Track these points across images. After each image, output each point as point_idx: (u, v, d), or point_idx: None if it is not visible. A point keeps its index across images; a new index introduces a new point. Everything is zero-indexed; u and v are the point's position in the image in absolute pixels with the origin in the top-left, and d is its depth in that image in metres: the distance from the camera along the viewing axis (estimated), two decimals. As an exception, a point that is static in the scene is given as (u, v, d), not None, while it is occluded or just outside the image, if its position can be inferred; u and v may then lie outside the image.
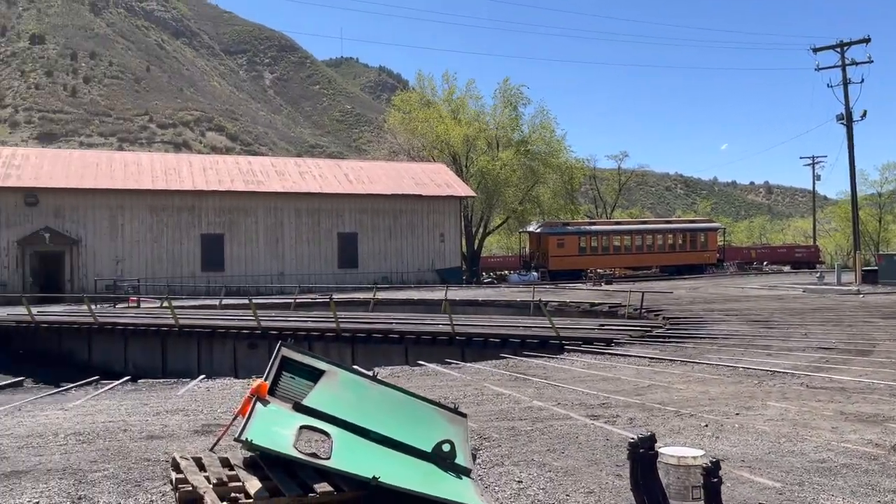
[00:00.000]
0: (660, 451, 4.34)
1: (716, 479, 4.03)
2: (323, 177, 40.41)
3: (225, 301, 27.39)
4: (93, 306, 23.34)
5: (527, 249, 51.16)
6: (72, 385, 12.13)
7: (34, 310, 23.37)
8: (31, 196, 32.81)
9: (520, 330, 17.70)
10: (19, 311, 23.38)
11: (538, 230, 48.11)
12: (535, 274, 45.15)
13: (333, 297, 23.70)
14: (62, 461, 6.20)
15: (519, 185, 52.75)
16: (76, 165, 36.27)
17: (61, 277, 33.14)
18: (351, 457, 5.01)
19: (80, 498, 5.13)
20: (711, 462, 4.08)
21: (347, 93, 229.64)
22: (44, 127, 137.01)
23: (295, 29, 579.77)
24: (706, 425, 7.21)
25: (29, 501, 5.06)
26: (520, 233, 54.10)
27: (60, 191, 33.44)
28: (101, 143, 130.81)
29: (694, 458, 4.29)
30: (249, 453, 5.40)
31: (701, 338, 15.01)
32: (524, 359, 13.52)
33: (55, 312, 24.82)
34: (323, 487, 4.76)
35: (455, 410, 6.26)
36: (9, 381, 14.38)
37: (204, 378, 13.05)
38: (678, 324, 18.00)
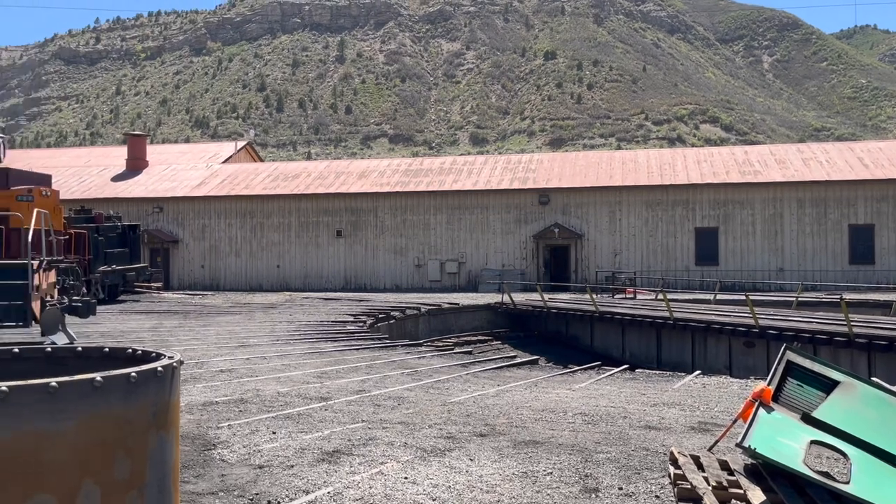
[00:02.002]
0: None
1: None
2: (830, 162, 36.36)
3: (719, 296, 26.82)
4: (594, 296, 25.23)
5: None
6: (577, 367, 13.29)
7: (546, 296, 26.35)
8: (544, 196, 37.12)
9: None
10: (534, 297, 26.67)
11: None
12: None
13: (844, 296, 21.12)
14: (570, 438, 6.76)
15: None
16: (580, 166, 39.73)
17: (567, 268, 36.72)
18: (876, 485, 4.32)
19: (586, 475, 5.51)
20: None
21: (862, 65, 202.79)
22: (554, 133, 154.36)
23: (798, 4, 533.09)
24: None
25: (544, 470, 5.63)
26: None
27: (567, 190, 37.04)
28: (602, 143, 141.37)
29: None
30: (750, 460, 5.11)
31: None
32: None
33: (562, 300, 27.57)
34: (839, 515, 4.20)
35: None
36: (527, 359, 16.50)
37: (699, 374, 12.94)
38: None
